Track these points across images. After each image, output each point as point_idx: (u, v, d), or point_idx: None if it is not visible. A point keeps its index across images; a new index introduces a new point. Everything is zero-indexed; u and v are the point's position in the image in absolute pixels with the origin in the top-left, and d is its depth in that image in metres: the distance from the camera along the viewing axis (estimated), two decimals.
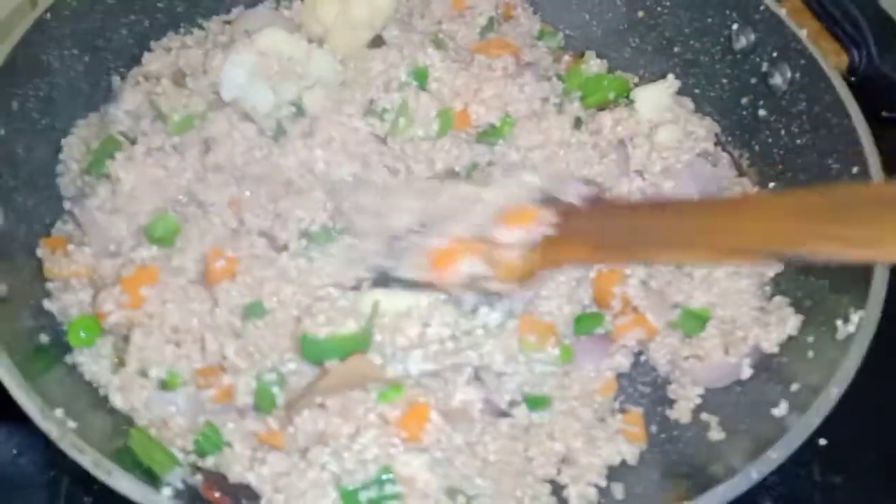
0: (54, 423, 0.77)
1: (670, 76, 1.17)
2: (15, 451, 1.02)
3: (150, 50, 1.20)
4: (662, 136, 1.11)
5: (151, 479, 0.85)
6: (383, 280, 0.97)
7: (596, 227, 0.94)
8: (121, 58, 1.18)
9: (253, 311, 0.96)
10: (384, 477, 0.86)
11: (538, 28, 1.33)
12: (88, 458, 0.75)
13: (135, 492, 0.74)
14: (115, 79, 1.18)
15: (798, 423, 0.80)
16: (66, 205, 1.03)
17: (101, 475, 0.74)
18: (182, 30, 1.24)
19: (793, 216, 0.78)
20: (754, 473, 0.77)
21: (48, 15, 1.05)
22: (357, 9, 1.14)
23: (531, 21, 1.32)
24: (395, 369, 0.90)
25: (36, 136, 1.05)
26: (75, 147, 1.10)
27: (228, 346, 0.94)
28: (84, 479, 0.77)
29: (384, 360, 0.90)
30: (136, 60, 1.19)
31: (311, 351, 0.91)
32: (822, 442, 0.89)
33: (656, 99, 1.15)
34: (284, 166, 1.03)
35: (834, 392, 0.81)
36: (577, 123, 1.15)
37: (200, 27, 1.24)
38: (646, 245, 0.88)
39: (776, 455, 0.78)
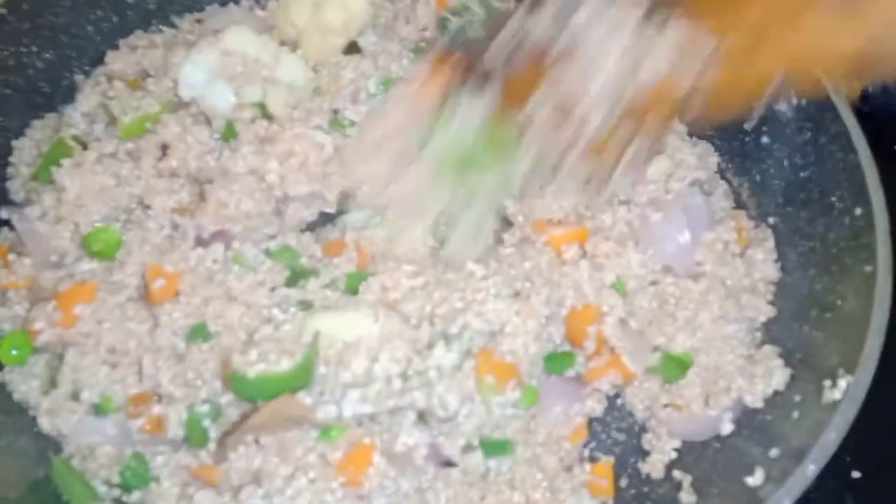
0: None
1: None
2: None
3: (116, 48, 1.15)
4: (649, 169, 1.02)
5: None
6: None
7: None
8: (86, 56, 1.13)
9: (197, 333, 0.90)
10: None
11: None
12: None
13: None
14: (80, 78, 1.12)
15: (770, 499, 0.72)
16: (3, 213, 0.97)
17: None
18: (153, 28, 1.18)
19: None
20: None
21: (3, 10, 1.00)
22: (331, 13, 1.07)
23: None
24: (327, 411, 0.83)
25: None
26: (27, 150, 1.05)
27: (165, 372, 0.88)
28: None
29: (314, 401, 0.83)
30: (101, 59, 1.14)
31: (241, 389, 0.84)
32: (856, 475, 0.81)
33: None
34: (233, 172, 0.96)
35: (810, 469, 0.73)
36: None
37: (173, 25, 1.18)
38: None
39: None
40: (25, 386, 0.89)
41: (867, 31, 0.73)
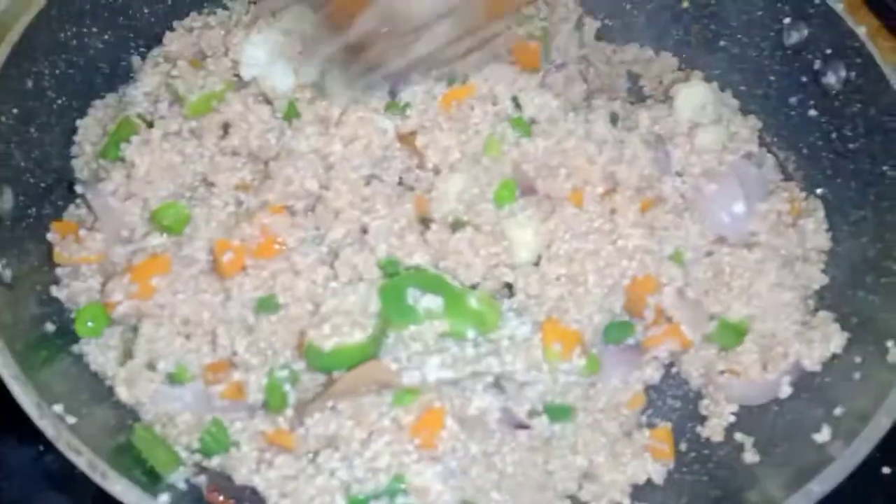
0: (50, 421, 0.73)
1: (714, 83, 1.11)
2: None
3: (172, 29, 1.17)
4: (703, 139, 1.04)
5: (154, 478, 0.82)
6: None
7: None
8: (142, 37, 1.15)
9: (266, 305, 0.92)
10: (396, 486, 0.83)
11: (576, 17, 1.26)
12: (84, 460, 0.72)
13: (130, 496, 0.70)
14: (136, 59, 1.14)
15: (843, 452, 0.74)
16: (79, 188, 0.99)
17: (96, 478, 0.71)
18: (206, 9, 1.19)
19: None
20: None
21: None
22: None
23: (570, 9, 1.26)
24: (412, 376, 0.85)
25: (51, 117, 1.02)
26: (91, 129, 1.06)
27: (240, 341, 0.90)
28: None
29: (399, 366, 0.86)
30: (158, 40, 1.15)
31: (317, 362, 0.87)
32: (886, 470, 0.82)
33: (698, 98, 1.08)
34: (297, 152, 0.98)
35: (884, 422, 0.75)
36: (614, 119, 1.09)
37: (225, 7, 1.20)
38: None
39: (818, 488, 0.73)
40: (102, 357, 0.91)
41: None
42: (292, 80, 1.05)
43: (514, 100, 1.05)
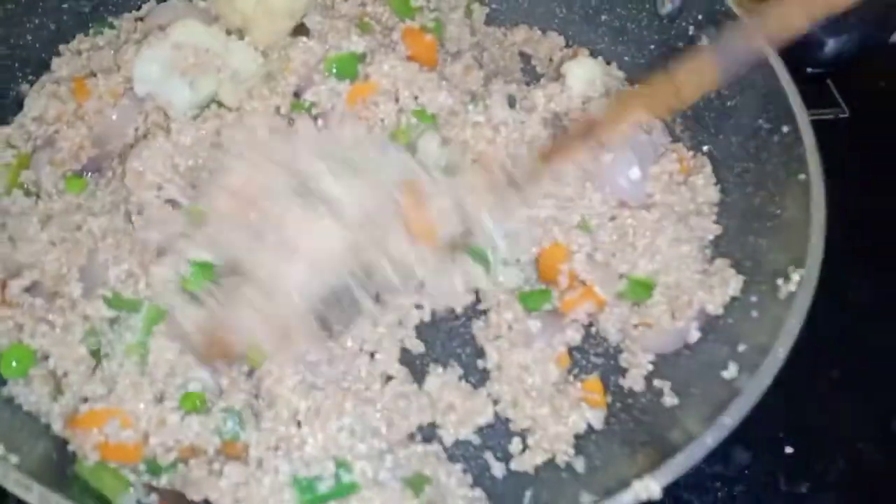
0: None
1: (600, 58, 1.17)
2: None
3: (59, 55, 1.15)
4: (596, 112, 1.10)
5: None
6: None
7: None
8: (29, 66, 1.12)
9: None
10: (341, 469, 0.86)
11: (465, 4, 1.31)
12: (35, 495, 0.72)
13: None
14: (25, 87, 1.12)
15: (748, 385, 0.82)
16: None
17: None
18: (91, 30, 1.17)
19: None
20: (709, 440, 0.79)
21: None
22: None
23: None
24: None
25: None
26: None
27: None
28: None
29: None
30: (45, 66, 1.13)
31: None
32: (789, 450, 0.90)
33: (587, 74, 1.14)
34: None
35: (780, 352, 0.83)
36: (512, 102, 1.14)
37: (111, 26, 1.18)
38: None
39: (730, 420, 0.80)
40: (33, 396, 0.90)
41: None
42: (189, 93, 1.06)
43: (415, 98, 1.09)
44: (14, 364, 0.91)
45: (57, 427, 0.88)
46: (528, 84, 1.22)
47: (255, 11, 1.10)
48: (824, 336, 0.93)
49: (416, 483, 0.88)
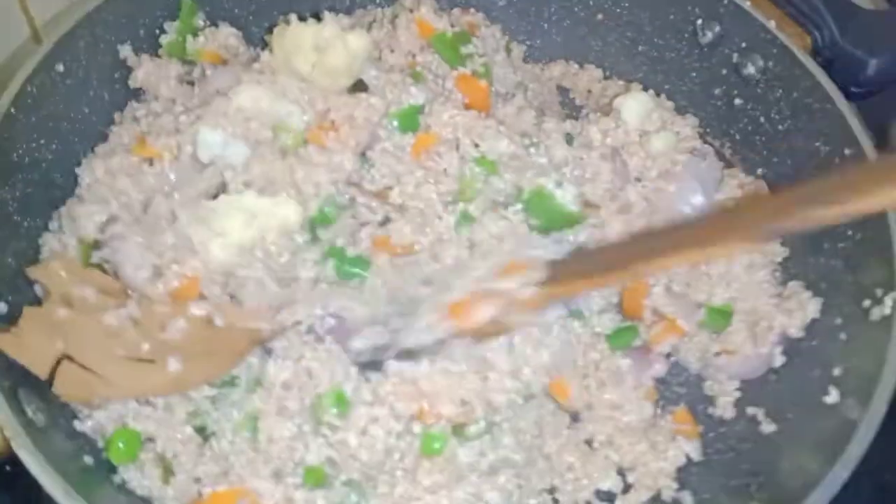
0: None
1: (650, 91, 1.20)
2: None
3: (115, 123, 1.14)
4: (656, 145, 1.12)
5: None
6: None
7: (589, 261, 0.98)
8: (86, 138, 1.11)
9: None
10: None
11: (504, 43, 1.32)
12: None
13: None
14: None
15: (865, 414, 0.84)
16: None
17: None
18: (144, 97, 1.16)
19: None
20: (844, 472, 0.80)
21: (12, 109, 0.97)
22: (334, 57, 1.10)
23: (497, 38, 1.31)
24: None
25: (20, 241, 0.98)
26: (55, 245, 1.02)
27: None
28: None
29: None
30: (103, 137, 1.12)
31: None
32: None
33: (642, 107, 1.16)
34: None
35: (890, 377, 0.85)
36: (569, 140, 1.16)
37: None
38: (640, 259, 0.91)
39: (858, 449, 0.82)
40: (146, 480, 0.89)
41: None
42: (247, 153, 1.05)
43: (476, 146, 1.10)
44: (121, 447, 0.89)
45: None
46: (574, 118, 1.23)
47: (314, 72, 1.10)
48: None
49: None
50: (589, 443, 1.01)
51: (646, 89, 1.27)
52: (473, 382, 0.90)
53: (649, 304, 1.06)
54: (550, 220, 1.04)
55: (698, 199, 1.12)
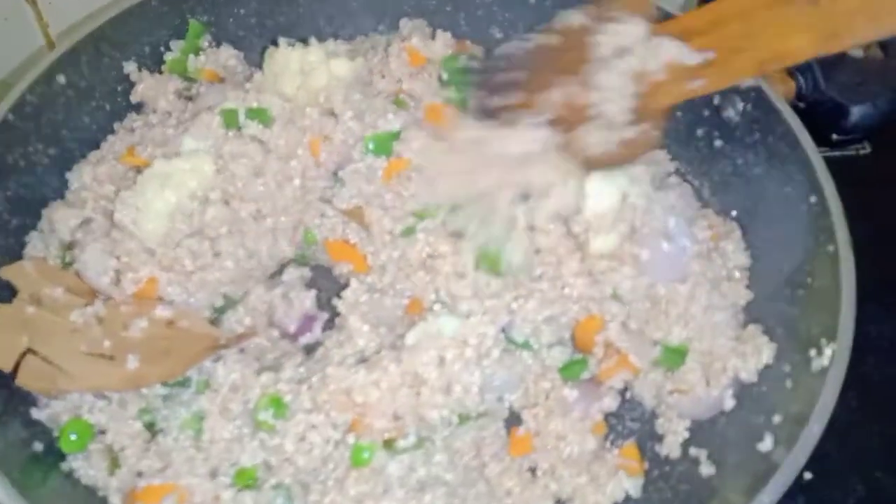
0: None
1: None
2: None
3: (113, 132, 1.21)
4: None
5: None
6: None
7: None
8: (85, 145, 1.18)
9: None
10: None
11: None
12: None
13: None
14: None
15: (785, 461, 0.83)
16: None
17: None
18: (144, 110, 1.24)
19: None
20: None
21: (11, 115, 1.06)
22: (317, 80, 1.15)
23: None
24: None
25: (8, 238, 1.06)
26: (38, 245, 1.09)
27: None
28: None
29: None
30: (98, 145, 1.20)
31: None
32: (808, 476, 0.92)
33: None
34: None
35: (816, 429, 0.85)
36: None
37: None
38: None
39: (768, 499, 0.81)
40: (92, 470, 0.94)
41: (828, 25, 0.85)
42: None
43: None
44: (73, 438, 0.95)
45: (115, 502, 0.92)
46: None
47: (298, 93, 1.16)
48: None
49: None
50: (532, 470, 1.03)
51: None
52: (407, 397, 0.93)
53: (601, 339, 1.06)
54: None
55: (687, 255, 1.10)
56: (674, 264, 1.07)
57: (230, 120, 1.11)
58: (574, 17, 1.03)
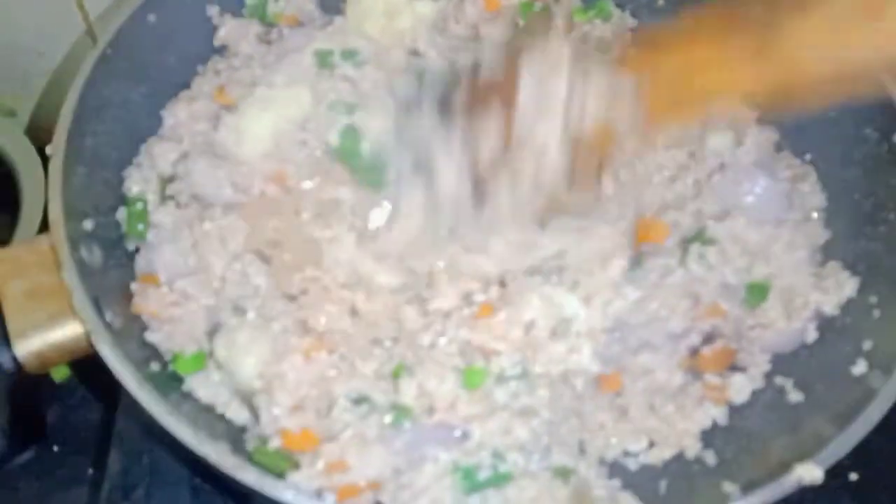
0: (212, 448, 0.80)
1: None
2: None
3: (197, 73, 1.23)
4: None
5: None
6: None
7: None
8: (171, 85, 1.20)
9: None
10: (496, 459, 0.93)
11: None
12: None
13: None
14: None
15: (887, 382, 0.87)
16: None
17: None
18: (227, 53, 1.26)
19: None
20: (861, 429, 0.83)
21: (110, 49, 1.07)
22: (402, 21, 1.17)
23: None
24: None
25: (109, 171, 1.08)
26: (136, 177, 1.11)
27: None
28: None
29: None
30: (185, 85, 1.21)
31: None
32: (853, 477, 0.93)
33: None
34: None
35: None
36: None
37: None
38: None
39: (878, 412, 0.85)
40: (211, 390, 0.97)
41: (775, 75, 0.81)
42: None
43: None
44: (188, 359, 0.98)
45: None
46: None
47: (383, 36, 1.18)
48: None
49: (563, 473, 0.94)
50: (624, 409, 1.05)
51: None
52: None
53: None
54: None
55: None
56: (767, 204, 1.10)
57: (324, 60, 1.12)
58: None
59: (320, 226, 1.03)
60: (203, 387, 0.96)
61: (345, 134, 1.06)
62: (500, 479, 0.90)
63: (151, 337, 0.98)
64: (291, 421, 0.92)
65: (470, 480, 0.90)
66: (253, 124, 1.05)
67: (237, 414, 0.95)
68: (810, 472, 0.81)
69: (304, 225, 1.03)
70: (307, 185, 1.06)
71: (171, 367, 0.97)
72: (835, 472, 0.88)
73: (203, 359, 0.97)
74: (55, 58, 1.44)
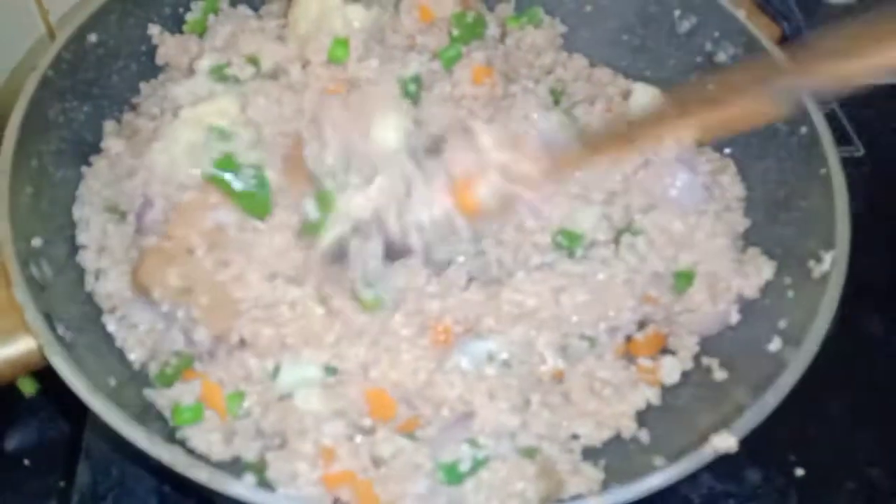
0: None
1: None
2: None
3: (138, 92, 1.26)
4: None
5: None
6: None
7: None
8: (115, 103, 1.23)
9: None
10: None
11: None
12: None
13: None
14: (109, 123, 1.23)
15: (795, 355, 0.94)
16: None
17: None
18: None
19: None
20: (771, 399, 0.90)
21: (50, 72, 1.10)
22: (332, 23, 1.22)
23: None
24: None
25: (55, 189, 1.10)
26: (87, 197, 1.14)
27: None
28: None
29: None
30: (128, 103, 1.24)
31: None
32: (800, 472, 0.98)
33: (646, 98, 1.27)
34: None
35: (821, 324, 0.95)
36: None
37: None
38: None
39: (790, 378, 0.92)
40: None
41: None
42: None
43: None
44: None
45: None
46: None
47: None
48: (838, 362, 1.00)
49: (529, 453, 1.00)
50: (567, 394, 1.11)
51: (626, 77, 1.38)
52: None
53: None
54: None
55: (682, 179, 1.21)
56: (688, 196, 1.17)
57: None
58: None
59: (217, 262, 1.03)
60: (161, 396, 0.99)
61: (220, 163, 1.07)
62: (477, 466, 0.96)
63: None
64: None
65: (453, 475, 0.95)
66: (182, 144, 1.07)
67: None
68: (725, 441, 0.88)
69: (201, 261, 1.02)
70: None
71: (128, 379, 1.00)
72: (782, 469, 0.96)
73: (201, 410, 0.99)
74: (14, 57, 1.44)
